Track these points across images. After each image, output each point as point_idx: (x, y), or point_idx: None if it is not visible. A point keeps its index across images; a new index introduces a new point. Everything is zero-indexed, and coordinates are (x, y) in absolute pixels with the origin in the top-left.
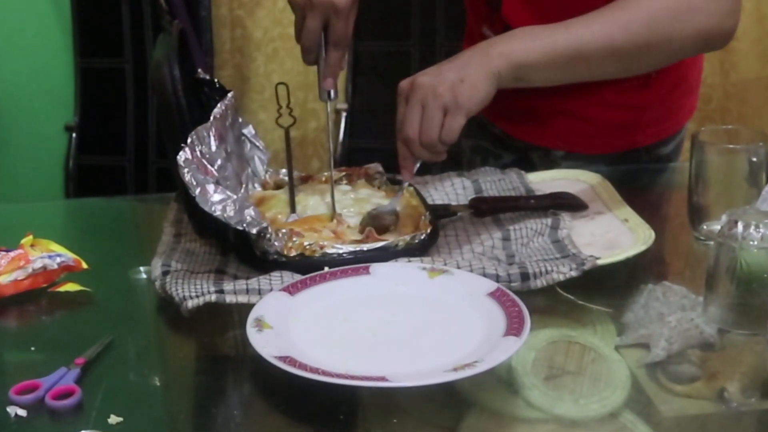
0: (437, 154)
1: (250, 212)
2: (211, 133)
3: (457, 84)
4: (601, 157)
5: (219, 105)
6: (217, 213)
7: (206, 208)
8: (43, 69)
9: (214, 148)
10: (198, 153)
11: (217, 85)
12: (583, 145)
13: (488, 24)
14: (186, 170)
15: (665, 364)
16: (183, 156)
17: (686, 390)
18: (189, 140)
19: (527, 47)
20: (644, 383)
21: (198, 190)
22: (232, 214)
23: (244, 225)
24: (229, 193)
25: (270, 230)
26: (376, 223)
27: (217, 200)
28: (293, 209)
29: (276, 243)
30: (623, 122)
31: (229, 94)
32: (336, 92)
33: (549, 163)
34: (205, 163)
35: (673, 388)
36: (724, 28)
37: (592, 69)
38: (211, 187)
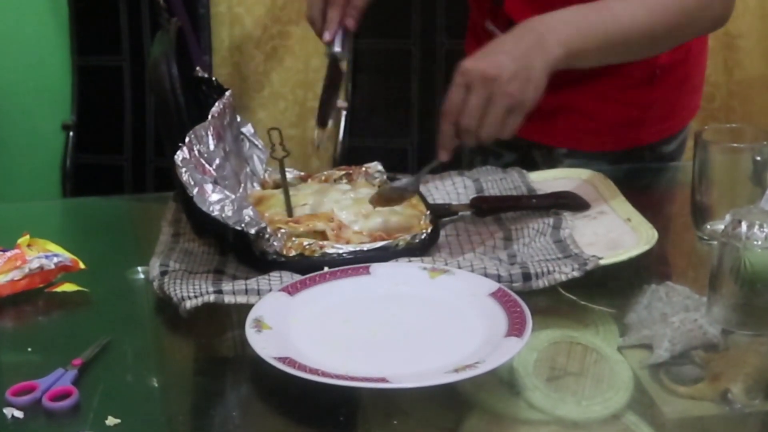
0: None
1: (248, 212)
2: (209, 132)
3: (524, 83)
4: (604, 155)
5: (217, 104)
6: (215, 213)
7: (204, 208)
8: (39, 67)
9: (212, 147)
10: (196, 152)
11: (215, 84)
12: (586, 142)
13: (492, 19)
14: (184, 170)
15: (668, 365)
16: (180, 155)
17: (689, 391)
18: (187, 139)
19: (582, 35)
20: (647, 384)
21: (196, 190)
22: (230, 214)
23: (243, 225)
24: (227, 192)
25: (268, 230)
26: (384, 193)
27: (215, 200)
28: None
29: (275, 243)
30: (627, 119)
31: (227, 93)
32: (343, 49)
33: (551, 162)
34: (203, 162)
35: (677, 390)
36: (730, 11)
37: (629, 53)
38: (209, 187)
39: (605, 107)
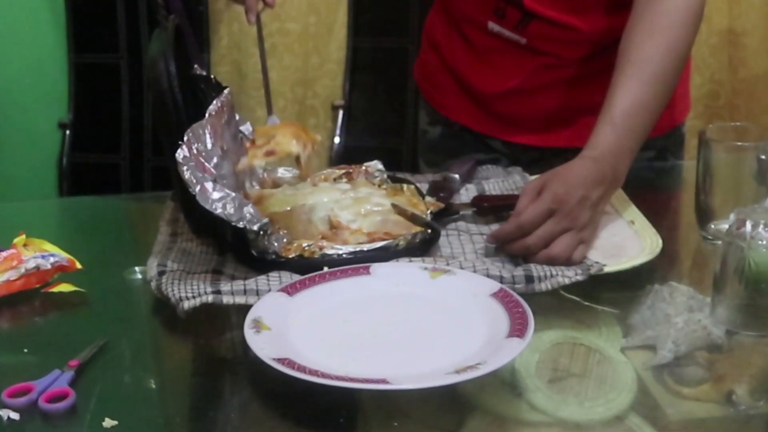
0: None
1: (248, 209)
2: (206, 131)
3: (593, 226)
4: (648, 143)
5: (215, 102)
6: (218, 211)
7: (207, 206)
8: (36, 65)
9: (209, 146)
10: (195, 150)
11: (214, 82)
12: None
13: (496, 19)
14: (185, 167)
15: (672, 366)
16: (181, 153)
17: (693, 393)
18: (185, 137)
19: (634, 152)
20: (650, 386)
21: (198, 188)
22: (232, 211)
23: (244, 222)
24: (227, 191)
25: (270, 227)
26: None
27: (216, 198)
28: (270, 111)
29: (275, 243)
30: None
31: (226, 91)
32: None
33: None
34: (202, 160)
35: (680, 391)
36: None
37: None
38: (209, 185)
39: None
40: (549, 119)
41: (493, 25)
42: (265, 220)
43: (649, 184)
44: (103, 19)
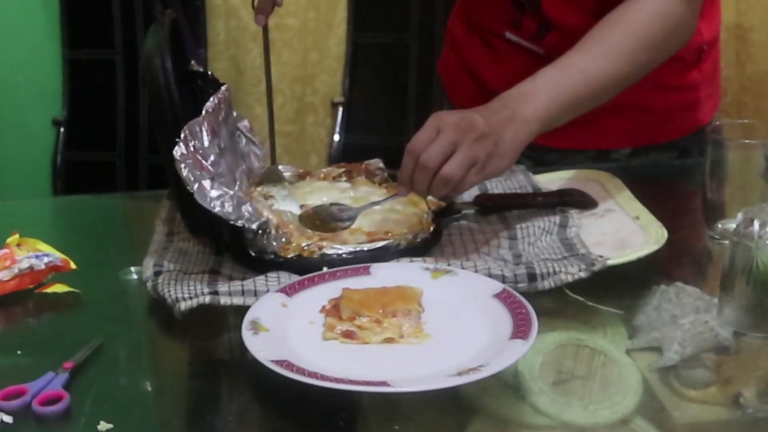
0: (431, 193)
1: (247, 208)
2: (203, 128)
3: (490, 147)
4: (673, 144)
5: (212, 98)
6: (217, 209)
7: (205, 205)
8: (29, 61)
9: (206, 143)
10: (192, 148)
11: (211, 78)
12: (651, 135)
13: (513, 29)
14: (183, 165)
15: (678, 369)
16: (179, 151)
17: (700, 395)
18: (182, 135)
19: (554, 104)
20: (656, 388)
21: (196, 186)
22: (230, 210)
23: (243, 221)
24: (225, 189)
25: (270, 226)
26: (320, 213)
27: (215, 196)
28: (273, 159)
29: (274, 243)
30: (684, 103)
31: (223, 87)
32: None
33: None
34: (200, 158)
35: (687, 394)
36: (695, 22)
37: (602, 101)
38: (207, 183)
39: (662, 96)
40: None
41: (510, 35)
42: (264, 218)
43: (655, 182)
44: (98, 14)
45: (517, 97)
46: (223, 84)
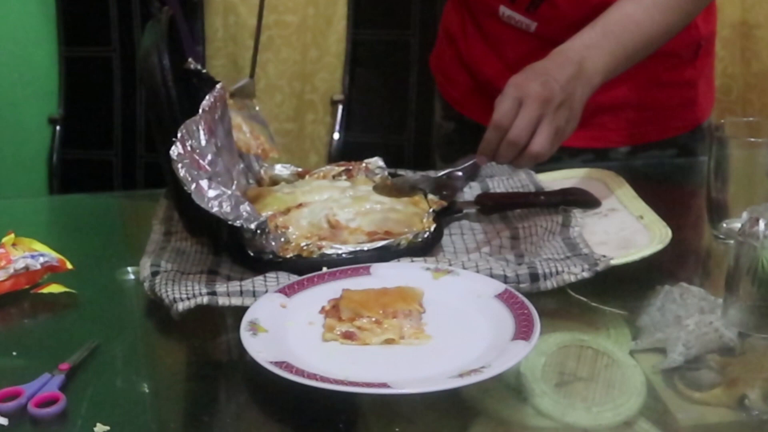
0: (515, 165)
1: (245, 207)
2: (200, 127)
3: (568, 112)
4: (673, 141)
5: (208, 97)
6: (215, 209)
7: (203, 205)
8: (25, 58)
9: (203, 142)
10: (189, 147)
11: (206, 76)
12: (650, 133)
13: (508, 3)
14: (180, 165)
15: (683, 370)
16: (176, 150)
17: (705, 397)
18: (179, 134)
19: (616, 57)
20: (660, 390)
21: (193, 186)
22: (228, 210)
23: (241, 221)
24: (223, 188)
25: (268, 226)
26: (397, 185)
27: (212, 196)
28: (252, 73)
29: (273, 242)
30: (683, 99)
31: (218, 86)
32: None
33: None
34: (197, 158)
35: (691, 395)
36: None
37: (649, 52)
38: (205, 183)
39: (659, 93)
40: None
41: (504, 9)
42: (263, 218)
43: (659, 181)
44: (95, 11)
45: (580, 50)
46: (217, 82)
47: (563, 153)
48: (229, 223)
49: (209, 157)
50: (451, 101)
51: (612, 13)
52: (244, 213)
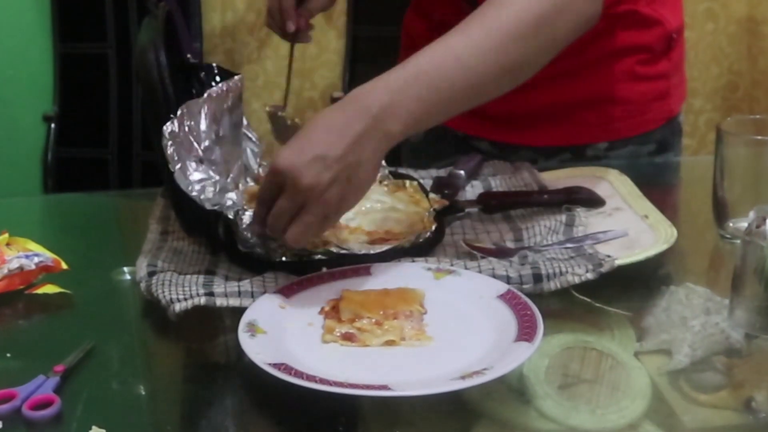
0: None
1: (231, 195)
2: (202, 111)
3: (344, 188)
4: (649, 135)
5: (220, 84)
6: (194, 193)
7: (182, 186)
8: (19, 54)
9: (203, 126)
10: (186, 128)
11: (216, 70)
12: (625, 127)
13: None
14: (170, 143)
15: (688, 372)
16: (170, 127)
17: (711, 399)
18: (179, 112)
19: (424, 105)
20: (666, 392)
21: (178, 166)
22: (210, 196)
23: (221, 207)
24: (211, 173)
25: (246, 213)
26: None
27: (196, 179)
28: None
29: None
30: (657, 92)
31: (237, 77)
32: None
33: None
34: (192, 139)
35: (697, 398)
36: (599, 7)
37: (481, 100)
38: (192, 164)
39: (634, 86)
40: (539, 116)
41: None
42: (245, 207)
43: (664, 180)
44: (90, 6)
45: (381, 96)
46: (236, 74)
47: (538, 154)
48: (207, 208)
49: (206, 142)
50: None
51: (432, 47)
52: (228, 201)
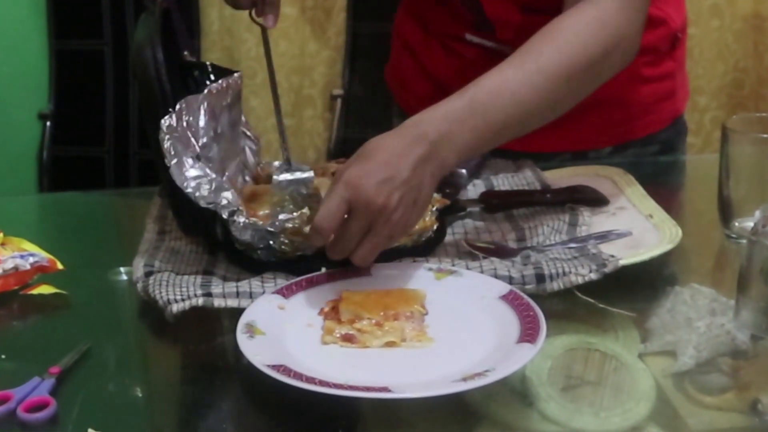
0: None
1: (227, 195)
2: (201, 107)
3: (409, 209)
4: (654, 137)
5: (220, 81)
6: (189, 190)
7: (178, 182)
8: (14, 51)
9: (202, 123)
10: (184, 123)
11: (213, 69)
12: (629, 131)
13: (473, 30)
14: (167, 137)
15: (693, 374)
16: (168, 121)
17: (716, 401)
18: (178, 107)
19: (479, 135)
20: (670, 394)
21: (174, 161)
22: (205, 193)
23: (215, 206)
24: (208, 171)
25: (242, 217)
26: None
27: (192, 176)
28: (288, 158)
29: (246, 234)
30: (663, 93)
31: (236, 74)
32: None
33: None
34: (189, 135)
35: (702, 400)
36: (637, 46)
37: (528, 129)
38: (189, 161)
39: (640, 89)
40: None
41: (471, 37)
42: (240, 207)
43: (669, 179)
44: (86, 2)
45: (438, 125)
46: (236, 72)
47: (538, 159)
48: (201, 206)
49: (204, 139)
50: (409, 110)
51: (488, 78)
52: (223, 200)
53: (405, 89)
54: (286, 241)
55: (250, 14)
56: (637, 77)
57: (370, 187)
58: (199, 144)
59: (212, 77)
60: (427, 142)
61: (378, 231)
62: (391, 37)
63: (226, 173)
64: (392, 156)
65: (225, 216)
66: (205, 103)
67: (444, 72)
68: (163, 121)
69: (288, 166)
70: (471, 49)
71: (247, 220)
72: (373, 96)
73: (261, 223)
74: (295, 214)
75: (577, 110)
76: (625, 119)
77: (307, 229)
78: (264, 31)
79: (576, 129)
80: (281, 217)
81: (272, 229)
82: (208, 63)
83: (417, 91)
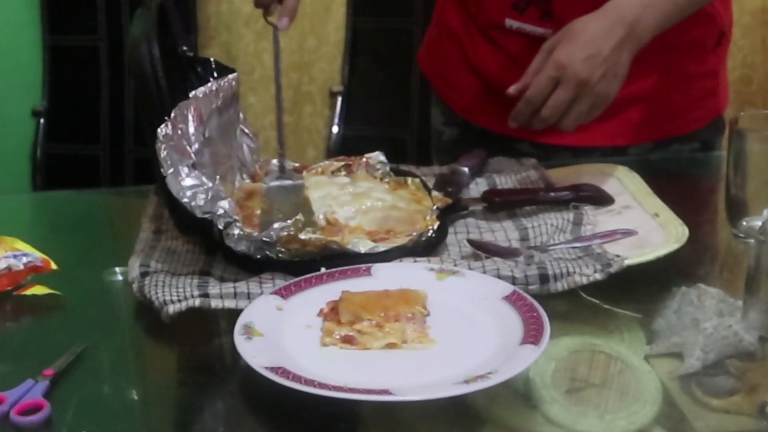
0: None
1: (224, 204)
2: (188, 113)
3: (611, 81)
4: (692, 136)
5: (209, 84)
6: (185, 200)
7: (174, 192)
8: (7, 47)
9: (191, 129)
10: (179, 131)
11: (214, 65)
12: (667, 128)
13: (515, 15)
14: (163, 146)
15: (700, 376)
16: (164, 130)
17: (724, 404)
18: (173, 115)
19: (667, 16)
20: (677, 397)
21: (170, 171)
22: (201, 203)
23: (212, 216)
24: (204, 179)
25: (236, 227)
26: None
27: (188, 185)
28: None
29: (242, 246)
30: (706, 90)
31: (230, 76)
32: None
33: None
34: (185, 143)
35: (709, 402)
36: None
37: (694, 9)
38: (185, 170)
39: (685, 85)
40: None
41: (511, 22)
42: (233, 218)
43: (675, 177)
44: None
45: (636, 8)
46: (232, 71)
47: (579, 155)
48: (198, 216)
49: (196, 145)
50: (453, 106)
51: None
52: (220, 210)
53: (446, 81)
54: (283, 249)
55: (264, 14)
56: (683, 72)
57: (576, 63)
58: (193, 150)
59: (215, 74)
60: (627, 23)
61: (582, 100)
62: (431, 23)
63: (218, 177)
64: (595, 36)
65: (221, 227)
66: (192, 108)
67: (490, 67)
68: (159, 130)
69: (281, 174)
70: (513, 41)
71: (242, 232)
72: (373, 92)
73: (256, 234)
74: (289, 221)
75: (618, 105)
76: (665, 116)
77: (302, 235)
78: (276, 32)
79: (616, 125)
80: (276, 226)
81: (267, 239)
82: (211, 59)
83: (460, 83)
